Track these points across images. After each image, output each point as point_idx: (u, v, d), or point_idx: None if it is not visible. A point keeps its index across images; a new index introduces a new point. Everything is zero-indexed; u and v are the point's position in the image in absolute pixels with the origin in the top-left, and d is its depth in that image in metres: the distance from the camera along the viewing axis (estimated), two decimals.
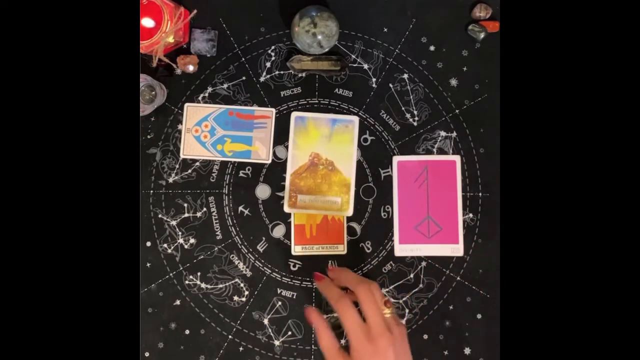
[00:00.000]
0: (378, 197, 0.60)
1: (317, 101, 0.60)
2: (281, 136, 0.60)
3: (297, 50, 0.59)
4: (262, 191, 0.60)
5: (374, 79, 0.60)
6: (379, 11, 0.60)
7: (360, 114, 0.60)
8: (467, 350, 0.59)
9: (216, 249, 0.59)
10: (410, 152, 0.60)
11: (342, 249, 0.59)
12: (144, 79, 0.56)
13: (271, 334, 0.59)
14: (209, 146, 0.59)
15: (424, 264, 0.59)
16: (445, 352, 0.59)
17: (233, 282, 0.59)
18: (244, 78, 0.60)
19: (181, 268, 0.59)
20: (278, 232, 0.60)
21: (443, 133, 0.60)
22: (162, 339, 0.58)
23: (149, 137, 0.60)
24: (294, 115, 0.60)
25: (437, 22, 0.60)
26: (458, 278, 0.59)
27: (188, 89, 0.60)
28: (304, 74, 0.60)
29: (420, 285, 0.59)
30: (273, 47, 0.60)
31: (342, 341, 0.55)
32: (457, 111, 0.60)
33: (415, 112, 0.60)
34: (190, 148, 0.59)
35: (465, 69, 0.60)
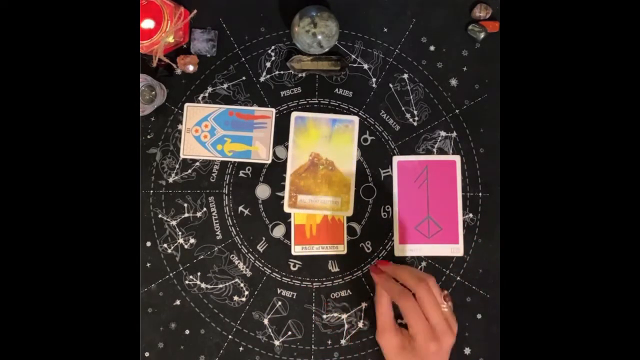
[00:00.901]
0: (378, 197, 0.60)
1: (317, 101, 0.60)
2: (281, 136, 0.60)
3: (297, 50, 0.59)
4: (262, 191, 0.60)
5: (374, 79, 0.60)
6: (379, 11, 0.60)
7: (360, 114, 0.60)
8: (467, 350, 0.59)
9: (216, 249, 0.59)
10: (410, 152, 0.60)
11: (342, 249, 0.59)
12: (144, 79, 0.56)
13: (271, 334, 0.59)
14: (209, 146, 0.59)
15: (424, 264, 0.59)
16: None
17: (233, 282, 0.59)
18: (244, 78, 0.60)
19: (181, 268, 0.59)
20: (278, 232, 0.60)
21: (443, 133, 0.60)
22: (162, 339, 0.58)
23: (149, 137, 0.60)
24: (294, 115, 0.60)
25: (437, 22, 0.60)
26: (458, 278, 0.59)
27: (188, 89, 0.60)
28: (304, 74, 0.60)
29: None
30: (273, 47, 0.60)
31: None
32: (457, 111, 0.60)
33: (415, 112, 0.60)
34: (190, 148, 0.59)
35: (465, 69, 0.60)
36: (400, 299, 0.49)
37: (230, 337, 0.59)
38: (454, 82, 0.60)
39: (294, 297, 0.59)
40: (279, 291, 0.59)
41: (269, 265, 0.59)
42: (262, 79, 0.60)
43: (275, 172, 0.60)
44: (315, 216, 0.59)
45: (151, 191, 0.59)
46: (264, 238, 0.59)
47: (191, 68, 0.59)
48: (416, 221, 0.59)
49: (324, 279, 0.59)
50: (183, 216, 0.59)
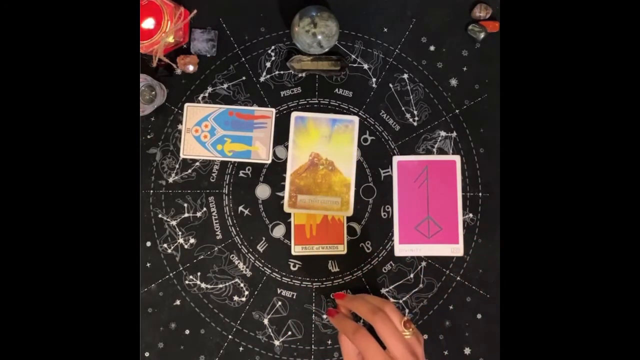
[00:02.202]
0: (378, 197, 0.60)
1: (317, 101, 0.60)
2: (281, 136, 0.60)
3: (297, 50, 0.59)
4: (262, 191, 0.60)
5: (374, 79, 0.60)
6: (379, 11, 0.60)
7: (360, 114, 0.60)
8: (467, 350, 0.59)
9: (216, 249, 0.59)
10: (410, 152, 0.60)
11: (342, 249, 0.59)
12: (144, 79, 0.56)
13: (271, 334, 0.59)
14: (209, 146, 0.59)
15: (424, 264, 0.59)
16: (445, 352, 0.59)
17: (233, 282, 0.59)
18: (244, 78, 0.60)
19: (181, 268, 0.59)
20: (278, 232, 0.60)
21: (443, 133, 0.60)
22: (162, 339, 0.58)
23: (149, 137, 0.60)
24: (294, 115, 0.60)
25: (437, 22, 0.60)
26: (458, 278, 0.59)
27: (188, 89, 0.60)
28: (304, 74, 0.60)
29: (420, 285, 0.59)
30: (273, 47, 0.60)
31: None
32: (457, 111, 0.60)
33: (415, 112, 0.60)
34: (190, 148, 0.59)
35: (465, 69, 0.60)
36: (355, 339, 0.46)
37: (230, 337, 0.59)
38: (454, 82, 0.60)
39: (294, 297, 0.59)
40: (279, 291, 0.59)
41: (269, 265, 0.59)
42: (262, 79, 0.60)
43: (275, 172, 0.60)
44: (315, 216, 0.59)
45: (151, 191, 0.59)
46: (264, 238, 0.59)
47: (191, 68, 0.59)
48: (416, 221, 0.59)
49: (324, 279, 0.59)
50: (183, 216, 0.59)
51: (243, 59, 0.60)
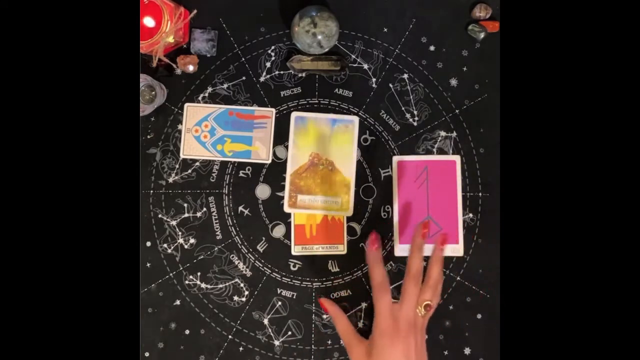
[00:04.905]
0: (378, 197, 0.60)
1: (317, 101, 0.60)
2: (281, 136, 0.60)
3: (297, 50, 0.59)
4: (262, 191, 0.60)
5: (374, 79, 0.60)
6: (379, 11, 0.60)
7: (360, 114, 0.60)
8: (467, 350, 0.59)
9: (216, 249, 0.59)
10: (410, 152, 0.60)
11: (342, 249, 0.59)
12: (144, 79, 0.56)
13: (271, 334, 0.59)
14: (209, 146, 0.59)
15: (424, 264, 0.59)
16: (445, 352, 0.59)
17: (233, 282, 0.59)
18: (244, 78, 0.60)
19: (181, 268, 0.59)
20: (278, 232, 0.60)
21: (443, 133, 0.60)
22: (162, 339, 0.58)
23: (149, 137, 0.60)
24: (294, 115, 0.60)
25: (437, 22, 0.60)
26: (458, 278, 0.59)
27: (188, 89, 0.60)
28: (304, 74, 0.60)
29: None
30: (273, 47, 0.60)
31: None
32: (457, 111, 0.60)
33: (415, 112, 0.60)
34: (190, 148, 0.59)
35: (465, 69, 0.60)
36: (379, 287, 0.52)
37: (230, 337, 0.59)
38: (454, 82, 0.60)
39: (294, 297, 0.59)
40: (279, 291, 0.59)
41: (269, 265, 0.59)
42: (262, 79, 0.60)
43: (275, 172, 0.60)
44: (315, 216, 0.59)
45: (151, 191, 0.59)
46: (264, 238, 0.59)
47: (191, 68, 0.59)
48: (416, 221, 0.59)
49: (324, 279, 0.59)
50: (183, 216, 0.59)
51: (243, 59, 0.60)
